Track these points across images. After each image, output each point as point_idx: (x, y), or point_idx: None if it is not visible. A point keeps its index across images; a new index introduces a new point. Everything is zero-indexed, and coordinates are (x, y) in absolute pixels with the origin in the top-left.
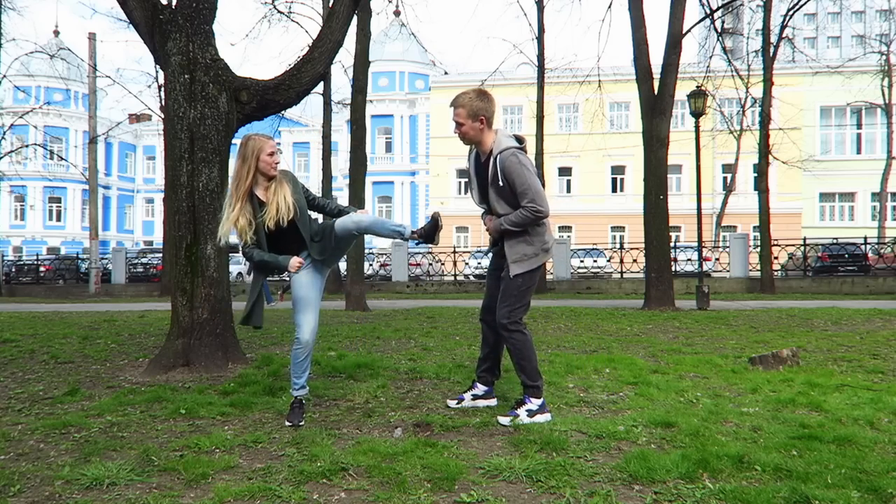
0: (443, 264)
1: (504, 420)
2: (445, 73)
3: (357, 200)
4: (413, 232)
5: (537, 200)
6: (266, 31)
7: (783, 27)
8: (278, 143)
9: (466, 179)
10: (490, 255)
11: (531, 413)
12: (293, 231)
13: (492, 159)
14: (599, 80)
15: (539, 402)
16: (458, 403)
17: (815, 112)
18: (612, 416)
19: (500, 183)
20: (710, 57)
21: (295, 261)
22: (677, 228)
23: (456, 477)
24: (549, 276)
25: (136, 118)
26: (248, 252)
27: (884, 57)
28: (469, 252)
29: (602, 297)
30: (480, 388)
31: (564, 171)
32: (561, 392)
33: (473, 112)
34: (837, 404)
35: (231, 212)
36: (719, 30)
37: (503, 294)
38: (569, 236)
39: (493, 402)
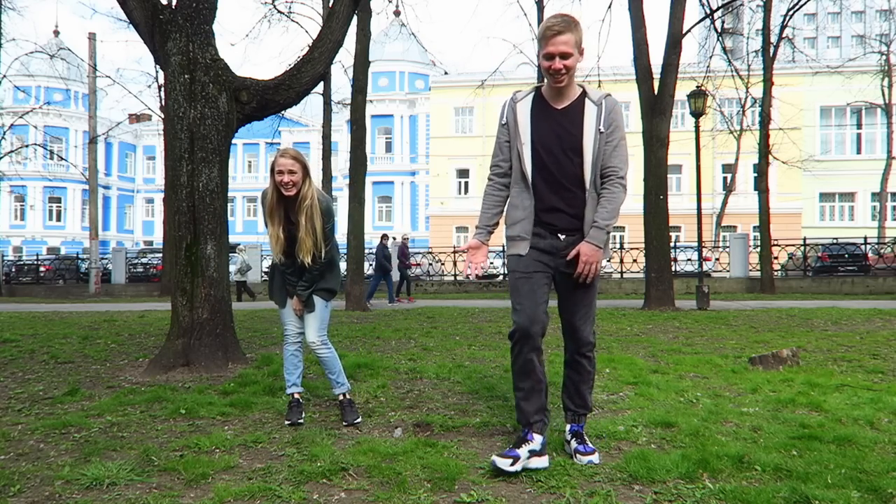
0: (443, 264)
1: (596, 458)
2: (445, 73)
3: (357, 200)
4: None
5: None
6: (266, 31)
7: (783, 27)
8: (277, 143)
9: (516, 141)
10: (512, 254)
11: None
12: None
13: (588, 102)
14: (599, 80)
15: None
16: (512, 465)
17: (815, 112)
18: (612, 416)
19: (602, 129)
20: (710, 57)
21: (296, 303)
22: (677, 228)
23: (456, 477)
24: None
25: (136, 118)
26: (276, 264)
27: (884, 57)
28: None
29: (602, 297)
30: (538, 441)
31: None
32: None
33: (579, 41)
34: (837, 404)
35: (270, 231)
36: (719, 30)
37: (583, 304)
38: None
39: (546, 461)
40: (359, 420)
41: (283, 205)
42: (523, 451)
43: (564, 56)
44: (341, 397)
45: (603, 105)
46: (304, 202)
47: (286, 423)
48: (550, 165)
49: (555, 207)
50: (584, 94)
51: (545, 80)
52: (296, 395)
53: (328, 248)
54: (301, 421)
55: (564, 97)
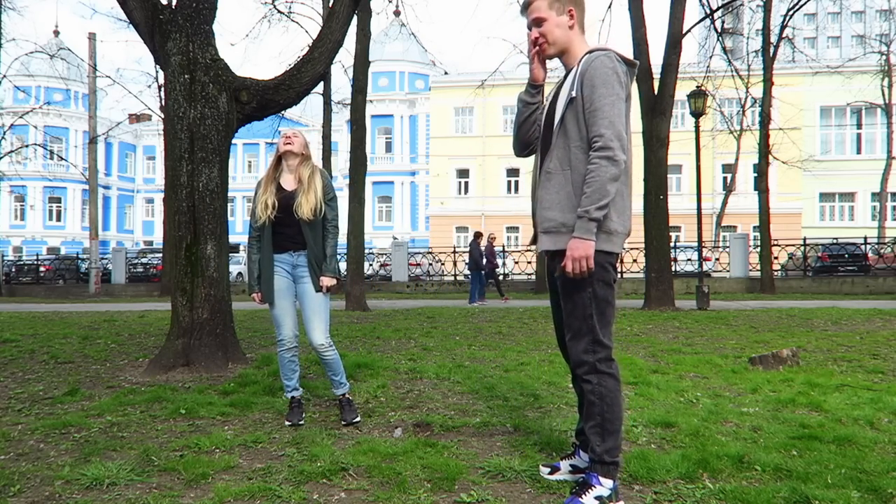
0: (443, 264)
1: None
2: (445, 73)
3: (357, 200)
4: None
5: (618, 139)
6: (266, 31)
7: (783, 27)
8: (276, 144)
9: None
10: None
11: (602, 499)
12: (296, 225)
13: (575, 66)
14: None
15: (612, 485)
16: (550, 473)
17: (815, 112)
18: None
19: (573, 94)
20: (710, 57)
21: (256, 298)
22: (677, 228)
23: (456, 477)
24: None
25: (136, 118)
26: (251, 246)
27: (884, 57)
28: (469, 252)
29: None
30: (583, 457)
31: None
32: (561, 392)
33: (550, 3)
34: (837, 404)
35: (262, 189)
36: (719, 30)
37: (567, 313)
38: None
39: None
40: (358, 419)
41: (279, 173)
42: (564, 464)
43: (538, 23)
44: (342, 397)
45: (579, 64)
46: (306, 163)
47: (286, 423)
48: (540, 155)
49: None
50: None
51: None
52: (296, 397)
53: (332, 220)
54: (301, 422)
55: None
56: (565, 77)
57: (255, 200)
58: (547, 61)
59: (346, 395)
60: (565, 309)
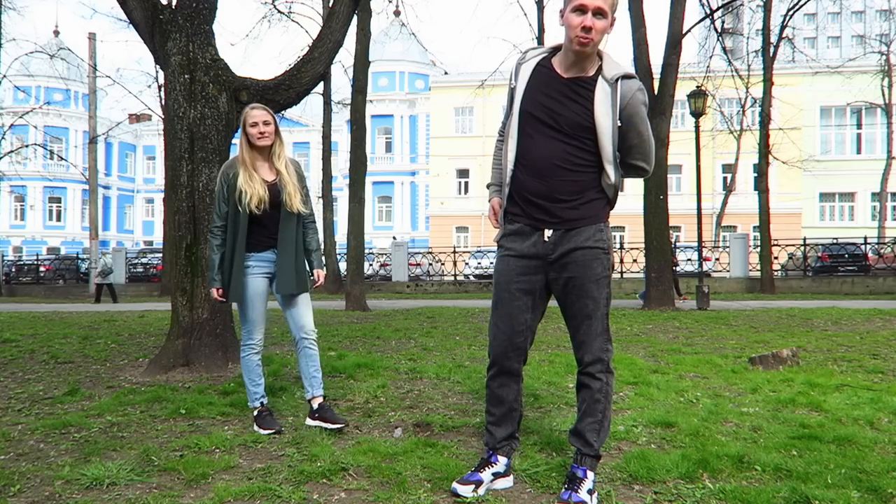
0: (443, 264)
1: None
2: (445, 73)
3: (357, 200)
4: None
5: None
6: (266, 31)
7: (783, 27)
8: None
9: (515, 103)
10: (505, 255)
11: (591, 492)
12: (277, 221)
13: (612, 82)
14: None
15: (594, 477)
16: (474, 490)
17: (815, 112)
18: (613, 416)
19: (619, 124)
20: (710, 57)
21: (215, 293)
22: (677, 228)
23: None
24: None
25: (136, 118)
26: (214, 239)
27: (884, 57)
28: (469, 252)
29: None
30: (502, 463)
31: None
32: (561, 392)
33: (615, 4)
34: (837, 404)
35: (244, 178)
36: (719, 30)
37: (591, 316)
38: None
39: (511, 481)
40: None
41: (255, 160)
42: (486, 475)
43: (598, 13)
44: (322, 399)
45: (617, 85)
46: (280, 154)
47: (266, 432)
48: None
49: (540, 192)
50: (607, 67)
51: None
52: (265, 404)
53: (310, 215)
54: (282, 429)
55: (577, 69)
56: (579, 77)
57: (229, 188)
58: (528, 57)
59: (326, 398)
60: (582, 310)
